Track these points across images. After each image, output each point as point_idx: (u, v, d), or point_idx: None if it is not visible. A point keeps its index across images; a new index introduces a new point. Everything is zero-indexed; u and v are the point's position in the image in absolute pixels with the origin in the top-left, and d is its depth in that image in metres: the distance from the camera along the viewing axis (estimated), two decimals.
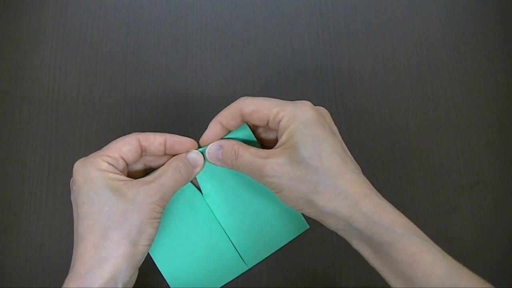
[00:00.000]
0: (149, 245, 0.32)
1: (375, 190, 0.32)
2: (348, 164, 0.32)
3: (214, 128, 0.35)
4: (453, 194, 0.45)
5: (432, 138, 0.46)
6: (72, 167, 0.31)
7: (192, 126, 0.45)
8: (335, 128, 0.34)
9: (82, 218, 0.31)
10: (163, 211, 0.33)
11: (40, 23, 0.47)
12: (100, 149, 0.34)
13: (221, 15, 0.48)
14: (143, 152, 0.35)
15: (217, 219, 0.38)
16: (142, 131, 0.35)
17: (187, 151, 0.35)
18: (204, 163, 0.36)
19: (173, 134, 0.35)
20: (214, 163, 0.36)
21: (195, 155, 0.35)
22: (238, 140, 0.36)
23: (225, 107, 0.35)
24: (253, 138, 0.36)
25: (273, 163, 0.31)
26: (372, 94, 0.46)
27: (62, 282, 0.42)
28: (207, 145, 0.36)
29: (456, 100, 0.47)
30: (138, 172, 0.37)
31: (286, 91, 0.46)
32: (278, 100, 0.33)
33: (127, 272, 0.31)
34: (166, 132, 0.43)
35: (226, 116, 0.34)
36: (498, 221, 0.44)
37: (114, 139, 0.34)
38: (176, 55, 0.47)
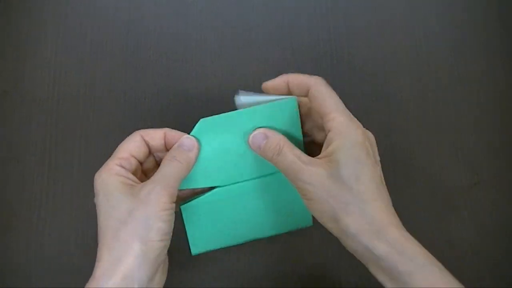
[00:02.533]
0: (163, 240, 0.32)
1: (401, 223, 0.32)
2: (382, 192, 0.32)
3: (281, 80, 0.35)
4: (453, 194, 0.45)
5: (432, 138, 0.46)
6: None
7: (192, 126, 0.45)
8: (378, 158, 0.34)
9: (100, 228, 0.32)
10: (173, 203, 0.33)
11: (40, 23, 0.47)
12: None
13: (221, 15, 0.48)
14: (150, 148, 0.35)
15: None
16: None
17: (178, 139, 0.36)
18: (199, 145, 0.36)
19: (171, 129, 0.35)
20: (254, 149, 0.36)
21: (185, 140, 0.35)
22: (280, 117, 0.36)
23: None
24: (297, 117, 0.36)
25: (311, 171, 0.32)
26: (372, 94, 0.46)
27: (62, 282, 0.42)
28: (197, 129, 0.36)
29: (456, 100, 0.47)
30: (151, 170, 0.37)
31: None
32: (341, 104, 0.34)
33: (142, 271, 0.31)
34: None
35: (297, 80, 0.35)
36: (498, 221, 0.44)
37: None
38: (176, 55, 0.47)
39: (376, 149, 0.35)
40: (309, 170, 0.32)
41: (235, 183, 0.38)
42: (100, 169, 0.34)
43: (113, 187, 0.32)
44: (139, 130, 0.35)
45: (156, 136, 0.35)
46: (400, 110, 0.46)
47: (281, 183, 0.38)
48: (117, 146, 0.35)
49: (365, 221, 0.31)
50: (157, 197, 0.32)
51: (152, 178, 0.33)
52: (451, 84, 0.47)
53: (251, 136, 0.36)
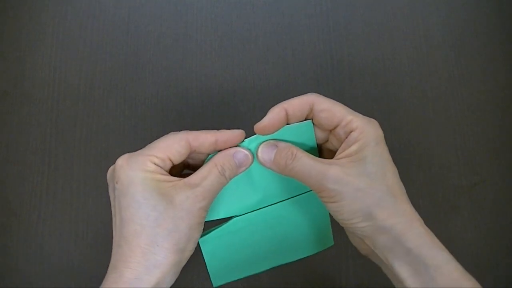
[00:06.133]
0: (193, 250, 0.32)
1: None
2: (403, 188, 0.33)
3: (278, 113, 0.32)
4: (453, 194, 0.45)
5: (432, 138, 0.46)
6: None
7: (192, 127, 0.45)
8: None
9: (128, 222, 0.30)
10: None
11: (40, 23, 0.47)
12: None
13: (221, 15, 0.48)
14: (191, 152, 0.33)
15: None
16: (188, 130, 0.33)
17: (235, 150, 0.33)
18: (252, 161, 0.33)
19: (223, 131, 0.33)
20: (264, 163, 0.33)
21: (243, 156, 0.33)
22: (296, 141, 0.34)
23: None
24: (313, 139, 0.34)
25: (338, 170, 0.31)
26: (372, 94, 0.46)
27: (62, 282, 0.42)
28: (254, 139, 0.33)
29: (456, 100, 0.47)
30: (176, 166, 0.35)
31: (286, 91, 0.46)
32: (348, 108, 0.33)
33: (173, 277, 0.31)
34: (168, 131, 0.42)
35: (295, 105, 0.32)
36: (498, 221, 0.44)
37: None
38: (176, 55, 0.47)
39: None
40: (336, 170, 0.31)
41: (253, 210, 0.36)
42: (129, 159, 0.31)
43: (149, 185, 0.30)
44: (187, 133, 0.32)
45: (206, 142, 0.32)
46: (400, 110, 0.46)
47: (300, 207, 0.37)
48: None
49: (398, 214, 0.31)
50: (201, 211, 0.31)
51: (197, 186, 0.31)
52: (451, 84, 0.47)
53: (259, 149, 0.33)
